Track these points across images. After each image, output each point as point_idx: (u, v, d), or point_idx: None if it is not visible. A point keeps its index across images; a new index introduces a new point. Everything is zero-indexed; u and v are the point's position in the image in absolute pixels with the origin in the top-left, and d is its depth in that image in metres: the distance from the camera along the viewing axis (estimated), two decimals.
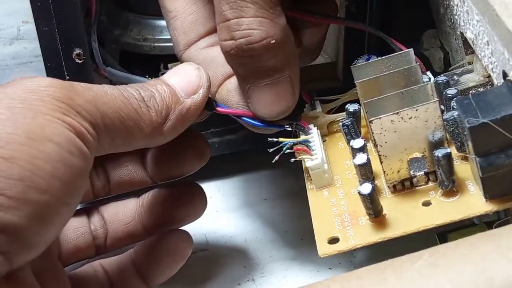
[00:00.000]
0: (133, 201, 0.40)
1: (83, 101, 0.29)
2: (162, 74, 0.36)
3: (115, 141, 0.31)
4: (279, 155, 0.35)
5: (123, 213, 0.39)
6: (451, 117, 0.31)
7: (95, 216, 0.39)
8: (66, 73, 0.39)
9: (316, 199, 0.36)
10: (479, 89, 0.35)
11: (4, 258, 0.26)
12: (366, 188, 0.31)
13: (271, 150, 0.35)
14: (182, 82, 0.34)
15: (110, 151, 0.32)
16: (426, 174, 0.33)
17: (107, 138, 0.30)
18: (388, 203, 0.33)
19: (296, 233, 0.44)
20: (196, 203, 0.39)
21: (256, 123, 0.36)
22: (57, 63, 0.39)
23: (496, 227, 0.32)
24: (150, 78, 0.36)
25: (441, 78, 0.35)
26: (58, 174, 0.27)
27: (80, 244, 0.38)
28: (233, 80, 0.36)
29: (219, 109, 0.36)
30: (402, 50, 0.36)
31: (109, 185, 0.39)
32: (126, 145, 0.32)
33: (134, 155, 0.39)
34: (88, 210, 0.39)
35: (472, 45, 0.35)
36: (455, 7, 0.36)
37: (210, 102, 0.36)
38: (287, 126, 0.37)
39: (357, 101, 0.36)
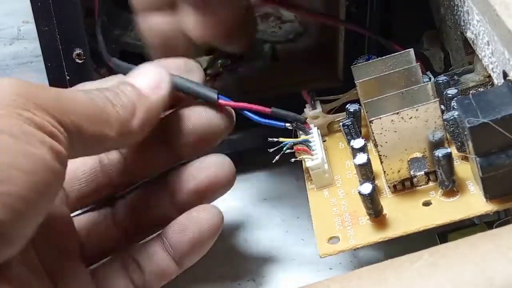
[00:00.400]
0: (159, 184, 0.39)
1: (44, 97, 0.29)
2: None
3: (86, 141, 0.31)
4: (279, 155, 0.35)
5: (151, 197, 0.38)
6: (451, 117, 0.31)
7: (121, 207, 0.38)
8: (66, 73, 0.39)
9: (316, 199, 0.36)
10: (479, 89, 0.35)
11: None
12: (367, 188, 0.31)
13: (271, 150, 0.35)
14: (144, 80, 0.35)
15: (84, 153, 0.32)
16: (427, 174, 0.33)
17: (77, 136, 0.30)
18: (389, 203, 0.33)
19: (296, 233, 0.44)
20: (224, 172, 0.38)
21: (256, 117, 0.36)
22: (57, 63, 0.39)
23: (496, 227, 0.32)
24: None
25: (442, 78, 0.35)
26: (19, 165, 0.27)
27: (104, 238, 0.38)
28: None
29: (221, 101, 0.36)
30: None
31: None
32: (98, 144, 0.32)
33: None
34: (111, 201, 0.39)
35: (472, 45, 0.35)
36: (455, 7, 0.36)
37: (211, 95, 0.36)
38: (288, 124, 0.37)
39: (357, 101, 0.36)
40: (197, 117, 0.37)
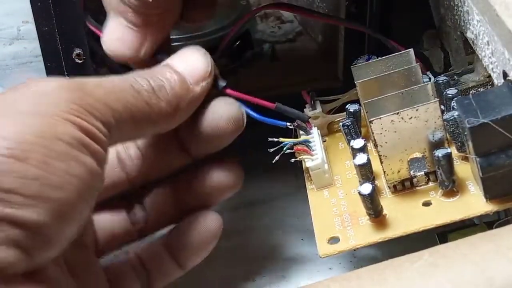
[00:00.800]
0: (171, 184, 0.39)
1: (94, 100, 0.29)
2: None
3: (124, 134, 0.31)
4: (279, 155, 0.35)
5: (160, 197, 0.38)
6: (451, 117, 0.31)
7: (133, 203, 0.39)
8: (66, 73, 0.39)
9: (316, 199, 0.36)
10: (479, 89, 0.36)
11: (23, 253, 0.26)
12: (366, 188, 0.31)
13: (271, 150, 0.35)
14: (190, 69, 0.34)
15: (119, 142, 0.32)
16: (426, 174, 0.33)
17: (117, 132, 0.30)
18: (388, 203, 0.33)
19: (296, 233, 0.44)
20: (229, 178, 0.38)
21: (258, 116, 0.36)
22: (57, 63, 0.39)
23: (496, 227, 0.32)
24: None
25: (442, 78, 0.35)
26: (72, 171, 0.27)
27: (117, 232, 0.38)
28: None
29: (228, 90, 0.36)
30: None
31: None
32: (135, 136, 0.33)
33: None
34: (126, 197, 0.39)
35: (472, 45, 0.35)
36: (455, 7, 0.36)
37: (220, 83, 0.36)
38: (289, 124, 0.36)
39: (357, 101, 0.36)
40: (213, 118, 0.37)
